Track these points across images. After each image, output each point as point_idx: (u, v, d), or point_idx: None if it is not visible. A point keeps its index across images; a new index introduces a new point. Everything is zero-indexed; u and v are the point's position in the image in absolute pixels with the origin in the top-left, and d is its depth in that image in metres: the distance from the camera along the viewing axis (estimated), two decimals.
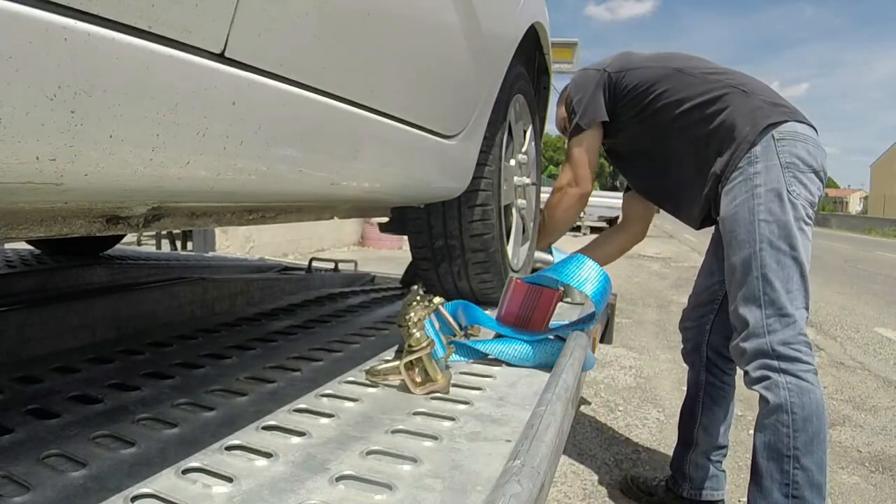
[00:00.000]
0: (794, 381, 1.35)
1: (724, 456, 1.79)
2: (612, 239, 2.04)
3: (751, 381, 1.42)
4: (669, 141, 1.62)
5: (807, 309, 1.40)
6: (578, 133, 1.68)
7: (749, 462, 2.20)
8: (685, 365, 1.85)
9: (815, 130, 1.47)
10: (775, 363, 1.36)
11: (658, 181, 1.76)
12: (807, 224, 1.40)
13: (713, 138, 1.51)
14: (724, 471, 1.79)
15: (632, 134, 1.69)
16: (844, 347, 4.06)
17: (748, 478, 2.08)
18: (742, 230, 1.41)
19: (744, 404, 2.68)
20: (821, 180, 1.43)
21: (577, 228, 13.90)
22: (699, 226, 1.68)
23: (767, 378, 1.37)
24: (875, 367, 3.64)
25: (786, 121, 1.42)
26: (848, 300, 6.17)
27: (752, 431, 2.43)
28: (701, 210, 1.61)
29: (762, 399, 1.39)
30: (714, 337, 1.74)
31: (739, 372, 1.65)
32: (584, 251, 1.89)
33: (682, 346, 1.85)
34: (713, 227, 1.71)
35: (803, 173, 1.39)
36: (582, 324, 1.19)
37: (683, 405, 1.83)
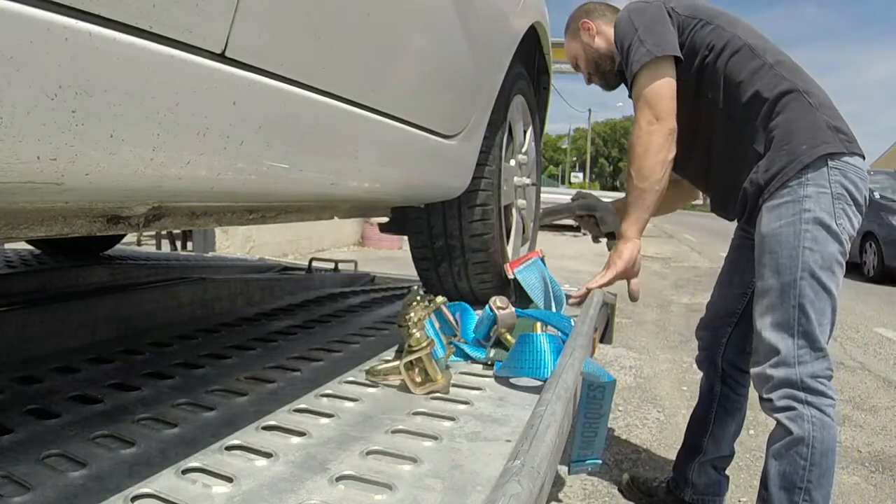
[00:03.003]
0: (818, 414, 1.34)
1: (729, 463, 1.79)
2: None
3: (773, 409, 1.40)
4: (715, 120, 1.53)
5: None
6: (648, 63, 1.46)
7: (748, 463, 2.23)
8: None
9: (864, 159, 1.45)
10: (802, 395, 1.35)
11: (691, 156, 1.61)
12: (844, 257, 1.39)
13: (763, 138, 1.45)
14: (727, 476, 1.79)
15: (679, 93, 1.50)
16: (844, 347, 4.05)
17: (747, 478, 2.11)
18: (784, 254, 1.38)
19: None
20: (862, 214, 1.43)
21: (577, 228, 13.80)
22: (730, 218, 1.63)
23: (792, 409, 1.36)
24: (875, 367, 3.64)
25: (842, 153, 1.39)
26: (847, 300, 6.16)
27: (752, 431, 2.45)
28: (735, 206, 1.55)
29: (782, 427, 1.38)
30: (730, 350, 1.72)
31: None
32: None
33: (696, 354, 1.83)
34: (732, 236, 1.66)
35: (850, 206, 1.39)
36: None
37: (694, 412, 1.82)
